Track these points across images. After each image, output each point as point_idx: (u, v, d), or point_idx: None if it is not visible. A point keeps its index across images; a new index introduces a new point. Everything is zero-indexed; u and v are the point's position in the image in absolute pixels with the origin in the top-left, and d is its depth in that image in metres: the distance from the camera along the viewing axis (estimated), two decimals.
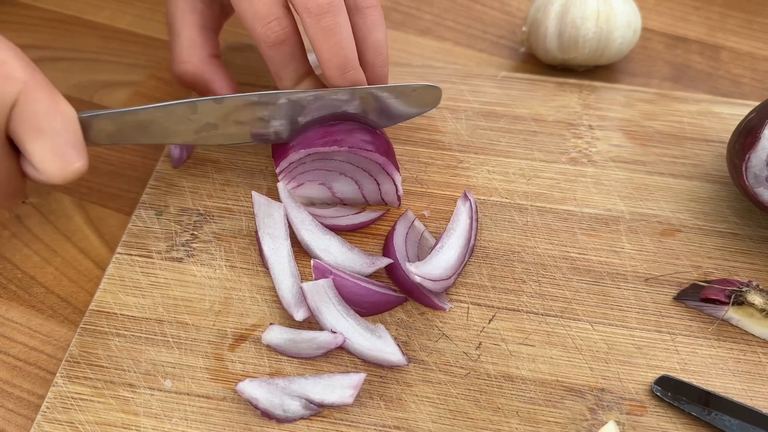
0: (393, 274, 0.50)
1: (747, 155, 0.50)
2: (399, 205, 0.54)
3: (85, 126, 0.46)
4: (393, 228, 0.52)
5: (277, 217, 0.51)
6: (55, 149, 0.43)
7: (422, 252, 0.52)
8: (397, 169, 0.51)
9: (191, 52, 0.53)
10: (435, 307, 0.49)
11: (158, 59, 0.67)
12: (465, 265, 0.51)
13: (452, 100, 0.62)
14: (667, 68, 0.68)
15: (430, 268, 0.48)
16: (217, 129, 0.50)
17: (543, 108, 0.61)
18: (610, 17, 0.61)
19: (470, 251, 0.52)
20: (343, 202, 0.54)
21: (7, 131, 0.43)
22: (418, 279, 0.47)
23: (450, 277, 0.49)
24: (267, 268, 0.50)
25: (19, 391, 0.48)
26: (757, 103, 0.58)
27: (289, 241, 0.51)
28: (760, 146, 0.49)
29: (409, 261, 0.50)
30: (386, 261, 0.50)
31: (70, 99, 0.46)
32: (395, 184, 0.52)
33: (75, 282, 0.53)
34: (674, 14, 0.72)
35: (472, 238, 0.52)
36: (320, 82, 0.51)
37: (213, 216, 0.54)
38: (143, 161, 0.59)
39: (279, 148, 0.52)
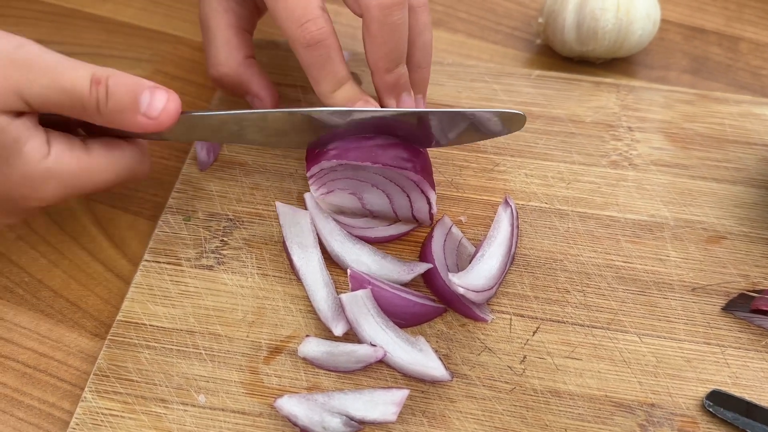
0: (432, 283, 0.49)
1: None
2: (431, 224, 0.52)
3: None
4: (430, 235, 0.50)
5: (304, 226, 0.49)
6: None
7: (461, 260, 0.50)
8: (433, 187, 0.49)
9: (228, 54, 0.51)
10: (477, 319, 0.47)
11: (163, 54, 0.65)
12: (506, 274, 0.49)
13: (486, 100, 0.60)
14: (685, 60, 0.66)
15: (473, 278, 0.46)
16: (287, 136, 0.49)
17: (580, 109, 0.59)
18: (630, 9, 0.59)
19: (511, 259, 0.50)
20: (372, 215, 0.52)
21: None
22: (461, 290, 0.45)
23: (492, 287, 0.47)
24: (299, 279, 0.48)
25: (29, 400, 0.47)
26: None
27: (318, 249, 0.49)
28: None
29: (448, 270, 0.49)
30: (425, 266, 0.48)
31: None
32: (429, 203, 0.50)
33: (84, 285, 0.51)
34: (691, 5, 0.71)
35: (513, 245, 0.50)
36: (359, 88, 0.49)
37: (243, 221, 0.52)
38: (152, 159, 0.57)
39: (312, 152, 0.50)
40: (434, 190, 0.49)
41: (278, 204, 0.49)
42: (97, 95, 0.41)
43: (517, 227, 0.51)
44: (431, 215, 0.51)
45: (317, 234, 0.49)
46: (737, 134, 0.58)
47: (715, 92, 0.61)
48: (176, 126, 0.46)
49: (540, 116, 0.59)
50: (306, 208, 0.50)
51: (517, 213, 0.52)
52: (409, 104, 0.49)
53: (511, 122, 0.48)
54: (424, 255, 0.50)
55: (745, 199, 0.54)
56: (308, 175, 0.49)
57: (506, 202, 0.51)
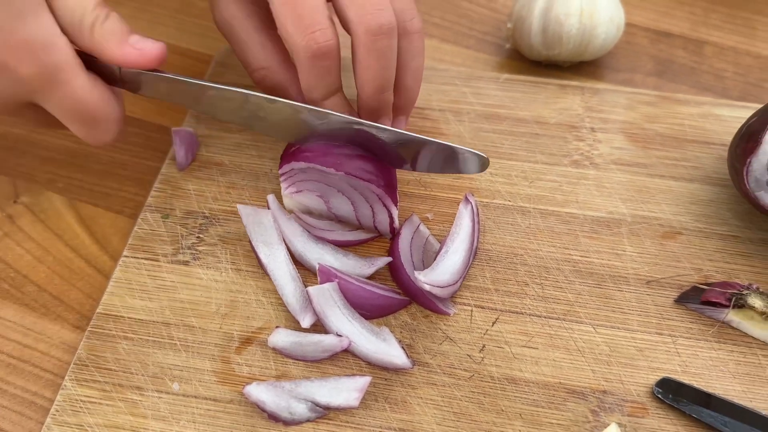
0: (398, 278, 0.51)
1: (748, 159, 0.50)
2: (391, 237, 0.53)
3: (130, 80, 0.48)
4: (398, 233, 0.52)
5: (267, 224, 0.51)
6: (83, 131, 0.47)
7: (427, 256, 0.52)
8: (395, 202, 0.51)
9: (268, 56, 0.51)
10: (440, 312, 0.49)
11: None
12: (469, 268, 0.52)
13: (455, 103, 0.62)
14: (651, 63, 0.68)
15: (438, 275, 0.49)
16: (266, 122, 0.50)
17: (545, 110, 0.62)
18: (593, 13, 0.62)
19: (473, 254, 0.52)
20: (337, 219, 0.54)
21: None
22: (427, 287, 0.47)
23: (456, 282, 0.49)
24: (268, 275, 0.51)
25: (13, 389, 0.49)
26: (757, 105, 0.58)
27: (284, 245, 0.51)
28: (761, 151, 0.50)
29: (414, 266, 0.51)
30: (385, 260, 0.51)
31: None
32: (391, 217, 0.51)
33: (67, 280, 0.54)
34: (658, 9, 0.73)
35: (476, 240, 0.52)
36: (347, 101, 0.50)
37: (218, 219, 0.54)
38: (133, 160, 0.60)
39: (288, 150, 0.52)
40: (396, 206, 0.51)
41: (239, 206, 0.51)
42: (98, 14, 0.45)
43: (479, 223, 0.53)
44: (392, 228, 0.52)
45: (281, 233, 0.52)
46: (696, 134, 0.60)
47: (677, 94, 0.63)
48: (160, 83, 0.48)
49: (507, 118, 0.61)
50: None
51: (478, 209, 0.54)
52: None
53: (474, 162, 0.49)
54: (392, 251, 0.52)
55: (701, 196, 0.56)
56: (280, 172, 0.51)
57: (467, 199, 0.53)
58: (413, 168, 0.52)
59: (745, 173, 0.50)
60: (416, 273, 0.48)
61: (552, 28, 0.62)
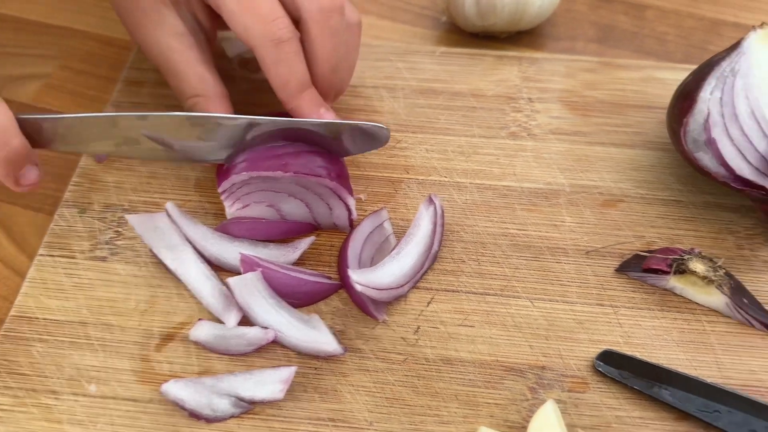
0: (340, 270, 0.48)
1: (685, 119, 0.48)
2: (350, 230, 0.50)
3: (30, 132, 0.46)
4: (359, 224, 0.50)
5: (165, 227, 0.48)
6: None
7: (380, 256, 0.49)
8: (351, 192, 0.49)
9: (205, 87, 0.50)
10: (370, 315, 0.47)
11: (70, 49, 0.65)
12: (425, 272, 0.49)
13: (389, 79, 0.60)
14: (592, 30, 0.66)
15: (378, 276, 0.46)
16: (139, 144, 0.48)
17: (482, 83, 0.59)
18: None
19: (432, 258, 0.49)
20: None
21: None
22: (359, 288, 0.44)
23: (402, 286, 0.47)
24: (182, 282, 0.48)
25: None
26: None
27: (189, 245, 0.48)
28: (697, 110, 0.48)
29: (361, 262, 0.48)
30: (308, 241, 0.48)
31: None
32: (348, 209, 0.49)
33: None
34: None
35: (435, 244, 0.49)
36: (319, 97, 0.49)
37: (138, 211, 0.52)
38: (51, 155, 0.56)
39: (221, 167, 0.49)
40: (353, 196, 0.49)
41: (128, 217, 0.48)
42: None
43: (442, 225, 0.50)
44: (351, 221, 0.50)
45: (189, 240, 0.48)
46: (638, 99, 0.58)
47: (617, 59, 0.61)
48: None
49: (443, 92, 0.59)
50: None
51: (443, 211, 0.51)
52: (329, 116, 0.49)
53: (375, 136, 0.49)
54: (343, 244, 0.49)
55: (642, 162, 0.55)
56: (220, 191, 0.48)
57: (430, 200, 0.50)
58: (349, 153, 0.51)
59: (682, 134, 0.49)
60: (350, 271, 0.45)
61: None
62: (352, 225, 0.50)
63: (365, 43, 0.61)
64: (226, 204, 0.49)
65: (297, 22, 0.47)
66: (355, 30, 0.51)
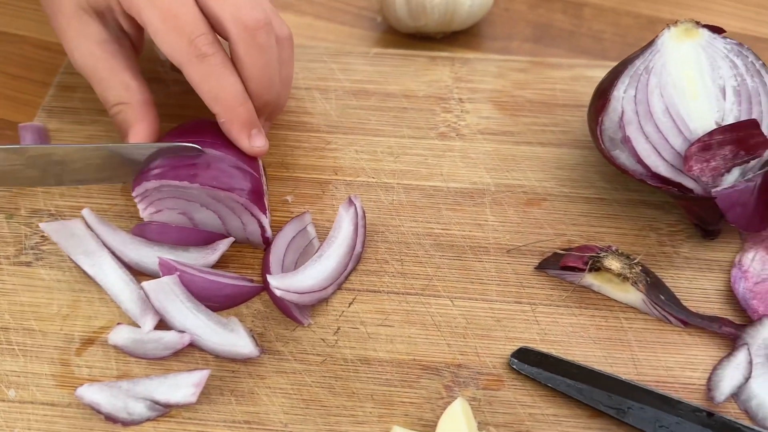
0: (264, 276, 0.48)
1: (600, 118, 0.49)
2: (265, 248, 0.50)
3: None
4: (282, 229, 0.50)
5: (80, 233, 0.48)
6: None
7: (304, 260, 0.49)
8: (264, 210, 0.48)
9: (130, 95, 0.50)
10: (295, 320, 0.47)
11: (6, 54, 0.65)
12: (349, 273, 0.49)
13: (322, 80, 0.60)
14: (528, 29, 0.67)
15: (298, 280, 0.46)
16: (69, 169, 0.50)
17: (414, 83, 0.60)
18: None
19: (355, 259, 0.49)
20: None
21: None
22: (278, 293, 0.45)
23: (325, 288, 0.47)
24: (102, 288, 0.48)
25: None
26: None
27: (106, 251, 0.48)
28: (611, 108, 0.49)
29: (283, 267, 0.48)
30: (228, 241, 0.48)
31: None
32: (262, 226, 0.49)
33: None
34: None
35: (358, 245, 0.49)
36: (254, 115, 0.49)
37: (65, 216, 0.52)
38: None
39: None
40: (266, 214, 0.48)
41: (42, 225, 0.47)
42: None
43: (364, 227, 0.50)
44: (265, 239, 0.49)
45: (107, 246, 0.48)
46: (567, 98, 0.59)
47: (549, 58, 0.62)
48: None
49: (375, 93, 0.59)
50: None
51: (364, 212, 0.51)
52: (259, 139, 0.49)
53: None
54: (266, 249, 0.49)
55: (568, 161, 0.55)
56: (133, 195, 0.48)
57: (350, 202, 0.50)
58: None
59: (599, 132, 0.49)
60: (268, 276, 0.45)
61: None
62: (267, 242, 0.50)
63: (299, 44, 0.62)
64: (140, 207, 0.49)
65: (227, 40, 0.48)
66: (286, 44, 0.51)
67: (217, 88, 0.47)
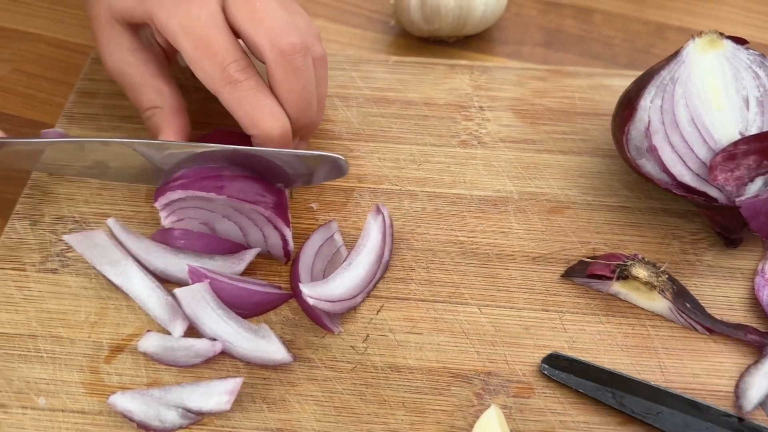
0: (293, 285, 0.48)
1: (626, 127, 0.50)
2: (286, 262, 0.50)
3: None
4: (309, 237, 0.50)
5: (104, 244, 0.48)
6: None
7: (332, 268, 0.49)
8: (287, 224, 0.48)
9: (163, 100, 0.50)
10: (324, 328, 0.47)
11: (22, 52, 0.65)
12: (378, 281, 0.49)
13: (343, 88, 0.60)
14: (540, 34, 0.68)
15: (330, 289, 0.46)
16: (110, 167, 0.50)
17: (434, 91, 0.60)
18: None
19: (383, 267, 0.49)
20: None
21: None
22: (311, 301, 0.45)
23: (355, 296, 0.47)
24: (127, 294, 0.48)
25: None
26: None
27: (131, 258, 0.48)
28: (638, 118, 0.49)
29: (313, 276, 0.48)
30: (254, 252, 0.48)
31: None
32: (284, 239, 0.49)
33: None
34: None
35: (386, 253, 0.49)
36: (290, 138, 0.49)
37: (89, 223, 0.52)
38: None
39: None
40: (289, 227, 0.49)
41: (66, 237, 0.48)
42: None
43: (391, 235, 0.50)
44: (287, 252, 0.49)
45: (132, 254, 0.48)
46: (586, 106, 0.59)
47: (567, 67, 0.62)
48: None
49: (395, 101, 0.60)
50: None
51: (391, 220, 0.51)
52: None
53: (336, 167, 0.49)
54: (295, 257, 0.49)
55: (589, 169, 0.56)
56: (156, 206, 0.48)
57: (378, 210, 0.50)
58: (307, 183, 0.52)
59: (624, 141, 0.50)
60: (301, 286, 0.45)
61: (429, 3, 0.61)
62: (289, 256, 0.50)
63: None
64: (162, 215, 0.49)
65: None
66: (321, 63, 0.51)
67: (251, 112, 0.47)
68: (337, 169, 0.49)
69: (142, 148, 0.48)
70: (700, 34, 0.50)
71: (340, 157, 0.48)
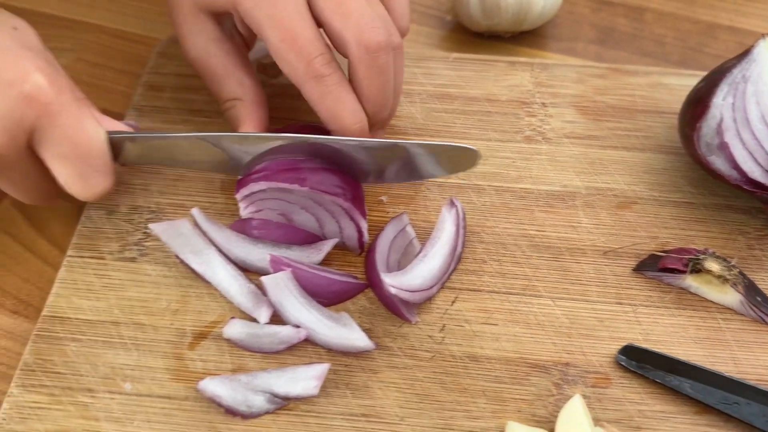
0: (370, 276, 0.49)
1: (698, 124, 0.50)
2: (360, 253, 0.51)
3: (114, 146, 0.47)
4: (382, 229, 0.51)
5: (188, 233, 0.49)
6: (79, 174, 0.45)
7: (406, 260, 0.50)
8: (364, 215, 0.49)
9: (244, 91, 0.51)
10: (402, 318, 0.48)
11: (85, 42, 0.66)
12: (452, 273, 0.50)
13: (406, 84, 0.61)
14: (593, 32, 0.69)
15: (409, 279, 0.47)
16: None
17: (496, 88, 0.61)
18: None
19: (457, 259, 0.50)
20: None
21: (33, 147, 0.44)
22: (393, 291, 0.45)
23: (432, 287, 0.48)
24: (211, 284, 0.49)
25: None
26: (703, 73, 0.58)
27: (213, 247, 0.49)
28: (710, 115, 0.50)
29: (389, 267, 0.49)
30: (331, 242, 0.49)
31: None
32: (360, 231, 0.50)
33: (3, 265, 0.52)
34: None
35: (459, 245, 0.50)
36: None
37: (166, 213, 0.52)
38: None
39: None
40: (365, 219, 0.49)
41: (152, 226, 0.49)
42: None
43: (464, 228, 0.51)
44: (361, 243, 0.50)
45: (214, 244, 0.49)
46: (647, 104, 0.60)
47: (625, 65, 0.63)
48: (130, 149, 0.48)
49: (458, 97, 0.60)
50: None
51: (464, 213, 0.52)
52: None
53: (460, 160, 0.49)
54: (369, 250, 0.50)
55: (654, 165, 0.56)
56: (237, 197, 0.49)
57: (451, 203, 0.51)
58: (382, 180, 0.52)
59: (695, 138, 0.50)
60: (382, 275, 0.46)
61: None
62: (363, 247, 0.51)
63: None
64: (241, 206, 0.50)
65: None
66: (399, 54, 0.50)
67: (334, 107, 0.47)
68: (469, 159, 0.49)
69: (227, 143, 0.48)
70: None
71: (473, 148, 0.48)
